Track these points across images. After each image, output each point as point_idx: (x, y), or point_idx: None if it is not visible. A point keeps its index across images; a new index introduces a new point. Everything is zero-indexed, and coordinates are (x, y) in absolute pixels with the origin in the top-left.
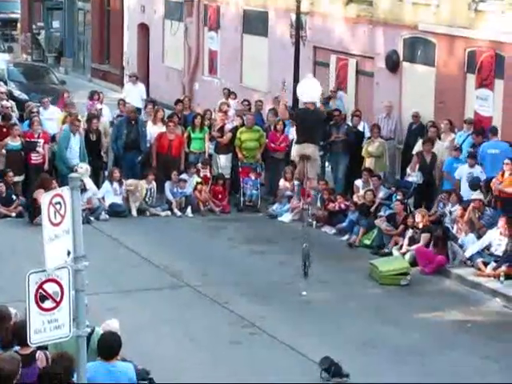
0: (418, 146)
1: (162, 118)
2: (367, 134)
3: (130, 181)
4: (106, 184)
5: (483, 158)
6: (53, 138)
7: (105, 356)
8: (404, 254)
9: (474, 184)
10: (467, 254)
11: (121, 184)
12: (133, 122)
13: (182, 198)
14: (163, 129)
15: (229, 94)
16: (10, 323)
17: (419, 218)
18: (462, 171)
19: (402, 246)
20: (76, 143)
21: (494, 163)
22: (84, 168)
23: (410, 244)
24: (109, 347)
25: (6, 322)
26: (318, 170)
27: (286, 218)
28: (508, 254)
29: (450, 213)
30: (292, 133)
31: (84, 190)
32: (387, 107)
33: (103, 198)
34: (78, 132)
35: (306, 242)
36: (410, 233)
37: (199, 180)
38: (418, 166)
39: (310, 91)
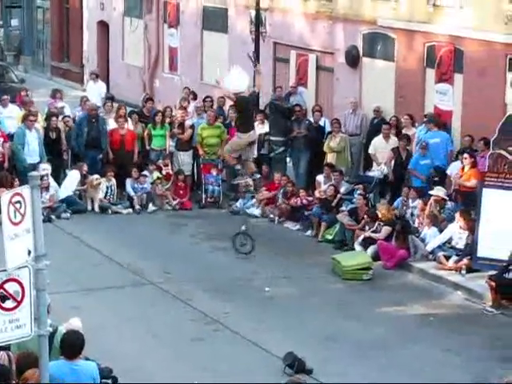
0: (375, 142)
1: (125, 115)
2: (328, 129)
3: (96, 176)
4: (75, 173)
5: (428, 148)
6: (12, 137)
7: (68, 355)
8: (364, 245)
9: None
10: (429, 248)
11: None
12: (93, 120)
13: (143, 194)
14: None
15: (189, 93)
16: None
17: (382, 211)
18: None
19: (363, 240)
20: (33, 139)
21: (437, 151)
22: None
23: (371, 238)
24: (72, 346)
25: None
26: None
27: (255, 211)
28: (469, 248)
29: (412, 207)
30: None
31: (46, 188)
32: (353, 103)
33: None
34: (35, 128)
35: (245, 224)
36: (373, 226)
37: (159, 175)
38: (393, 162)
39: (238, 82)
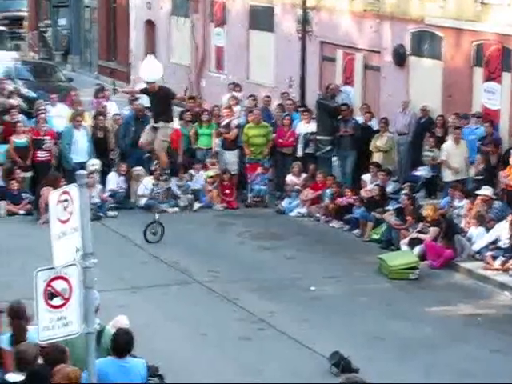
0: (447, 148)
1: None
2: (375, 128)
3: (139, 167)
4: (113, 175)
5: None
6: (60, 136)
7: (118, 353)
8: (410, 245)
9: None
10: (475, 248)
11: (126, 179)
12: (140, 119)
13: (189, 193)
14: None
15: (234, 87)
16: (24, 319)
17: (428, 211)
18: None
19: (410, 240)
20: (81, 138)
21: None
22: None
23: (417, 238)
24: (122, 344)
25: (22, 318)
26: None
27: (297, 212)
28: None
29: (459, 207)
30: (300, 128)
31: (93, 185)
32: (403, 102)
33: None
34: (83, 127)
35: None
36: (419, 227)
37: (211, 174)
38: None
39: (152, 71)
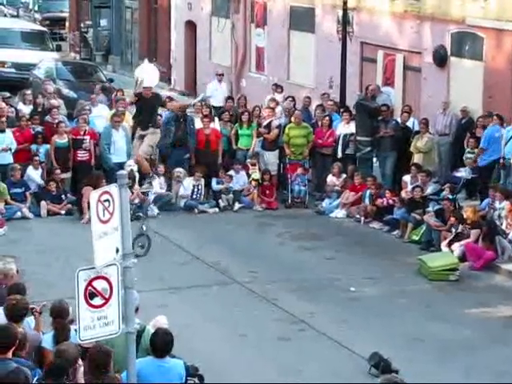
0: None
1: (209, 114)
2: (416, 129)
3: (180, 169)
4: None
5: (488, 142)
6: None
7: (157, 353)
8: (449, 246)
9: None
10: None
11: (166, 179)
12: (181, 120)
13: (230, 194)
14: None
15: (276, 89)
16: (67, 319)
17: (468, 213)
18: None
19: (450, 242)
20: (119, 138)
21: (497, 145)
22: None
23: (458, 239)
24: (162, 344)
25: (64, 318)
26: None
27: (339, 214)
28: None
29: (499, 208)
30: (340, 128)
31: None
32: (444, 103)
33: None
34: (122, 127)
35: (143, 225)
36: (459, 228)
37: (256, 177)
38: None
39: (152, 76)
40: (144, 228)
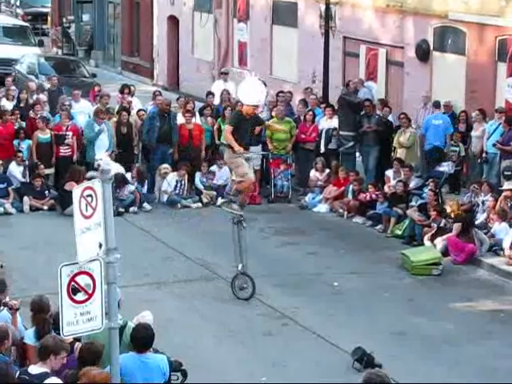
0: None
1: (192, 109)
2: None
3: (166, 165)
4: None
5: (427, 128)
6: (82, 131)
7: (138, 348)
8: (432, 241)
9: (508, 174)
10: (506, 245)
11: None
12: (165, 115)
13: (213, 191)
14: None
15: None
16: (48, 314)
17: (451, 207)
18: None
19: (432, 236)
20: (102, 134)
21: (436, 133)
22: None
23: (441, 234)
24: (142, 339)
25: (45, 313)
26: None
27: (321, 208)
28: None
29: (483, 202)
30: (322, 123)
31: (126, 182)
32: (424, 97)
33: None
34: (104, 123)
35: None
36: (442, 223)
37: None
38: None
39: (259, 93)
40: (239, 267)
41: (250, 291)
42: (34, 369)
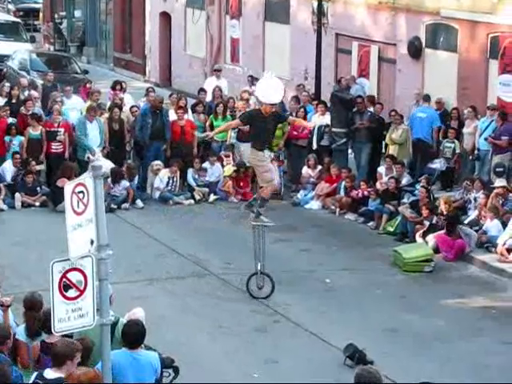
0: None
1: (185, 106)
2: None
3: (158, 162)
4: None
5: (412, 121)
6: (74, 128)
7: (129, 344)
8: (424, 238)
9: (499, 170)
10: (500, 242)
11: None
12: (157, 112)
13: (205, 188)
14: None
15: (252, 80)
16: (40, 311)
17: (443, 204)
18: None
19: (424, 233)
20: (93, 130)
21: (421, 125)
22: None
23: (432, 230)
24: (133, 335)
25: (36, 310)
26: None
27: (314, 205)
28: None
29: (475, 199)
30: (314, 120)
31: (121, 178)
32: (417, 94)
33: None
34: (96, 119)
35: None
36: (434, 220)
37: (230, 173)
38: None
39: (278, 91)
40: (258, 266)
41: (268, 290)
42: (50, 373)
